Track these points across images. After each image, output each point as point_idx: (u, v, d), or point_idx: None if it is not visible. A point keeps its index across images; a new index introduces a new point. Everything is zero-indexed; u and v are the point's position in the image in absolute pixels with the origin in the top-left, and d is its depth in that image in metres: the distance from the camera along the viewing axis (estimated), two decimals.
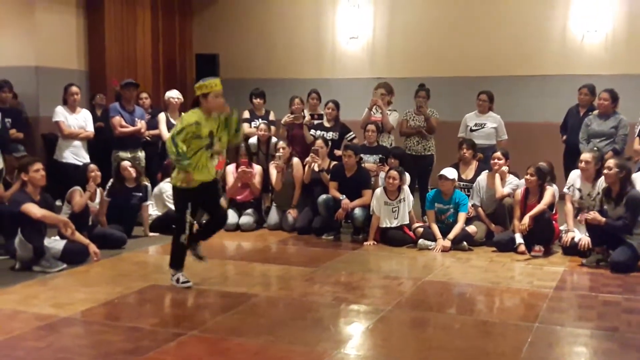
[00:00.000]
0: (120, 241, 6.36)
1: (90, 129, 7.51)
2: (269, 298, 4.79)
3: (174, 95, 7.93)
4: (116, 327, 4.11)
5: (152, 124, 7.90)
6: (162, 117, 7.81)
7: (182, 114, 4.84)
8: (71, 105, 7.41)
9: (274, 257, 6.10)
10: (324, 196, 6.98)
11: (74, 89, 7.43)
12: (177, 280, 4.97)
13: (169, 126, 7.72)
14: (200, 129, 4.77)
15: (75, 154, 7.33)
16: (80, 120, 7.45)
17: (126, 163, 6.86)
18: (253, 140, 7.85)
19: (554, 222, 6.31)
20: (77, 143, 7.38)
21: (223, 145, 5.08)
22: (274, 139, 7.92)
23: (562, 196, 6.52)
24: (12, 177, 6.20)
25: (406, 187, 6.72)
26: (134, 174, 6.80)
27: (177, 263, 5.02)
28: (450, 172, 6.56)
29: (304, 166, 7.38)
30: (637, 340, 3.94)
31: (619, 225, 5.59)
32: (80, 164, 6.96)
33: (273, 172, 7.45)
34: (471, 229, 6.52)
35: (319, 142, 7.30)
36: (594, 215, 5.63)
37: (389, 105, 7.68)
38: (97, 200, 6.46)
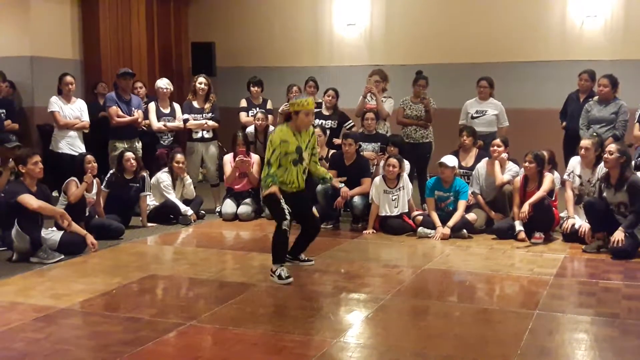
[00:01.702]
0: (118, 232, 6.33)
1: (85, 118, 7.47)
2: (268, 288, 4.76)
3: (162, 84, 7.88)
4: (115, 317, 4.09)
5: (147, 113, 7.85)
6: (151, 106, 7.78)
7: (273, 130, 5.01)
8: (66, 95, 7.37)
9: None
10: (322, 185, 6.95)
11: (69, 78, 7.38)
12: (280, 277, 4.80)
13: (159, 116, 7.72)
14: (287, 146, 4.89)
15: (71, 145, 7.31)
16: (76, 111, 7.41)
17: (129, 154, 6.83)
18: (250, 129, 7.81)
19: (553, 209, 6.28)
20: (72, 133, 7.35)
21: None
22: (271, 128, 7.87)
23: (563, 183, 6.50)
24: (5, 167, 6.15)
25: (405, 175, 6.69)
26: (135, 166, 6.77)
27: (278, 256, 4.90)
28: (450, 160, 6.52)
29: None
30: (637, 326, 3.93)
31: (634, 220, 5.54)
32: (76, 154, 6.93)
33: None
34: (471, 216, 6.50)
35: (317, 130, 7.25)
36: (617, 236, 5.45)
37: (383, 92, 7.64)
38: (94, 191, 6.42)
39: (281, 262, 4.90)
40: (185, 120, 7.68)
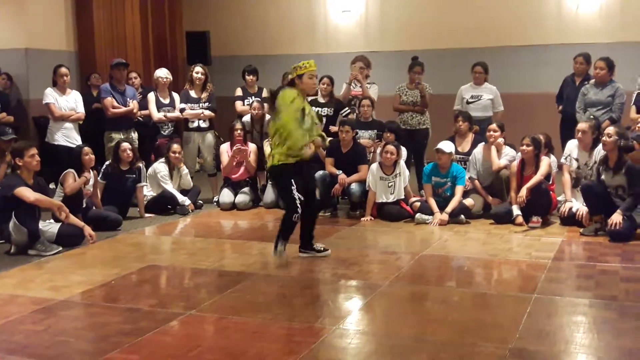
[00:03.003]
0: (115, 223, 6.33)
1: (80, 110, 7.44)
2: (267, 276, 4.77)
3: (162, 74, 7.86)
4: (114, 308, 4.10)
5: (143, 103, 7.83)
6: (151, 96, 7.76)
7: (282, 92, 4.90)
8: (61, 87, 7.34)
9: (270, 235, 6.03)
10: (320, 172, 6.94)
11: (63, 70, 7.35)
12: (276, 248, 4.93)
13: (158, 106, 7.71)
14: (295, 105, 4.82)
15: (67, 136, 7.29)
16: (71, 102, 7.39)
17: (126, 145, 6.81)
18: (247, 118, 7.79)
19: (551, 192, 6.29)
20: (68, 125, 7.33)
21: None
22: (267, 117, 7.85)
23: (560, 166, 6.50)
24: (2, 161, 6.14)
25: (402, 162, 6.69)
26: (131, 157, 6.76)
27: (285, 235, 4.97)
28: (447, 146, 6.51)
29: None
30: (635, 308, 3.95)
31: (632, 203, 5.54)
32: (73, 146, 6.92)
33: (268, 150, 7.38)
34: (468, 202, 6.50)
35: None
36: (615, 219, 5.47)
37: (367, 79, 7.64)
38: (91, 182, 6.41)
39: (284, 240, 4.95)
40: (182, 110, 7.68)
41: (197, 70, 7.74)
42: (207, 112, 7.71)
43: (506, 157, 6.60)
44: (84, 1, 9.47)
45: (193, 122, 7.72)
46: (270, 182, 7.28)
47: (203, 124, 7.75)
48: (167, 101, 7.81)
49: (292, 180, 4.86)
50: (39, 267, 5.07)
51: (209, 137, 7.83)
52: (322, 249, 5.21)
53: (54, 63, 7.62)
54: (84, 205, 6.21)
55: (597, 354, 3.32)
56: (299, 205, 4.83)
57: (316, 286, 4.60)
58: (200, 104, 7.70)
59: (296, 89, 4.92)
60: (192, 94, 7.72)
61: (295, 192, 4.83)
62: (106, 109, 7.49)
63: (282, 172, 4.92)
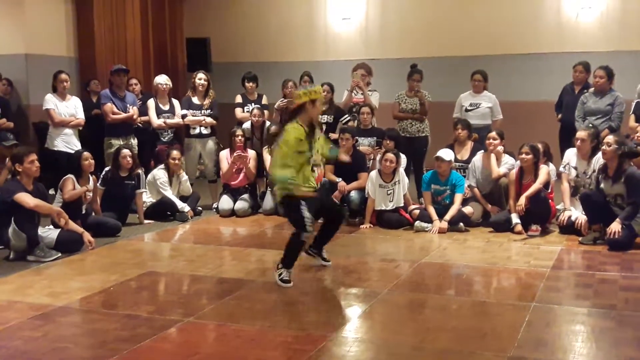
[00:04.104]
0: (114, 229, 6.33)
1: (80, 116, 7.46)
2: (266, 283, 4.76)
3: (162, 81, 7.87)
4: (112, 315, 4.09)
5: (143, 110, 7.85)
6: (151, 103, 7.77)
7: (286, 128, 4.70)
8: (61, 93, 7.36)
9: (270, 242, 6.07)
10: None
11: (63, 76, 7.37)
12: (282, 279, 4.63)
13: (158, 112, 7.72)
14: (303, 144, 4.66)
15: (67, 142, 7.31)
16: (71, 108, 7.41)
17: (126, 152, 6.81)
18: (247, 125, 7.80)
19: (550, 201, 6.29)
20: (68, 131, 7.34)
21: (319, 159, 4.93)
22: (267, 124, 7.87)
23: (559, 175, 6.51)
24: (2, 167, 6.15)
25: (401, 170, 6.70)
26: (131, 164, 6.77)
27: (289, 261, 4.70)
28: (446, 154, 6.52)
29: None
30: (634, 317, 3.95)
31: (631, 212, 5.53)
32: (72, 151, 6.93)
33: (267, 157, 7.40)
34: (467, 210, 6.51)
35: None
36: (614, 228, 5.47)
37: (368, 86, 7.67)
38: (90, 187, 6.40)
39: (289, 267, 4.72)
40: (184, 116, 7.69)
41: (200, 77, 7.76)
42: (209, 119, 7.72)
43: (505, 165, 6.60)
44: (85, 7, 9.50)
45: (194, 128, 7.73)
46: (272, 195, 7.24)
47: (204, 131, 7.76)
48: (166, 107, 7.82)
49: (301, 201, 4.64)
50: (37, 273, 5.07)
51: (210, 143, 7.84)
52: (326, 258, 5.18)
53: (54, 69, 7.64)
54: (84, 212, 6.20)
55: None
56: (309, 225, 4.57)
57: (315, 293, 4.60)
58: (202, 111, 7.71)
59: (299, 121, 4.69)
60: (194, 100, 7.74)
61: (305, 211, 4.58)
62: (106, 115, 7.50)
63: (289, 201, 4.72)
